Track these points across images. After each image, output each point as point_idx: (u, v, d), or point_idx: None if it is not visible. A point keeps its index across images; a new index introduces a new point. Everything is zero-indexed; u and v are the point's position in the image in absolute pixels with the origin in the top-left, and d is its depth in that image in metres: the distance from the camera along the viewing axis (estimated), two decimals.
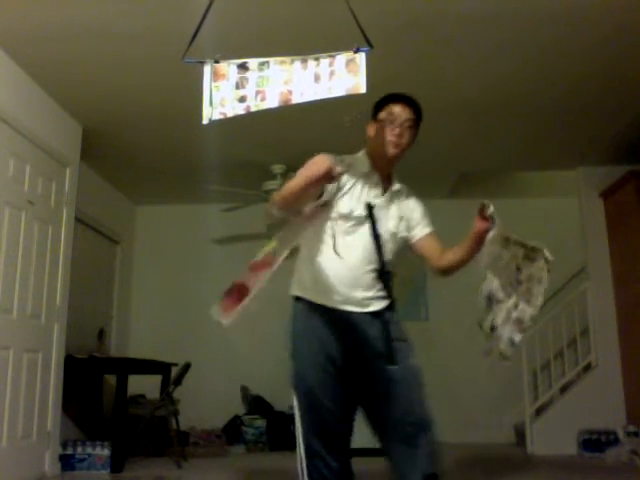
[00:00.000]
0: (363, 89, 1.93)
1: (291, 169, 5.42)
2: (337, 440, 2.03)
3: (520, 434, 5.56)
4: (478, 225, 1.90)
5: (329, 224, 2.05)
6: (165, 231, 6.74)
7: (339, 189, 2.02)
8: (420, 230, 2.15)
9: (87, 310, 5.46)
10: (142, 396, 5.64)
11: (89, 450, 4.42)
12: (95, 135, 4.79)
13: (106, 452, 4.41)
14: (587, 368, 5.48)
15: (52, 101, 4.27)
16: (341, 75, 1.92)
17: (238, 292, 2.10)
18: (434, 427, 1.95)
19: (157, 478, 4.36)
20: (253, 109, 1.97)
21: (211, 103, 1.97)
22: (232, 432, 5.92)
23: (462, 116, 4.55)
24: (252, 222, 6.26)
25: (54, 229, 4.34)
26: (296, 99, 1.95)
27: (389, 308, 2.07)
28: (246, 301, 2.06)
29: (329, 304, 2.04)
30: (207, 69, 2.00)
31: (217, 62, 2.02)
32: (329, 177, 1.78)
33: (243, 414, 6.08)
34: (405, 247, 2.15)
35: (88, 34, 3.43)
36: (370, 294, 2.04)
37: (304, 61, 1.97)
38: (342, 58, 1.95)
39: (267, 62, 2.00)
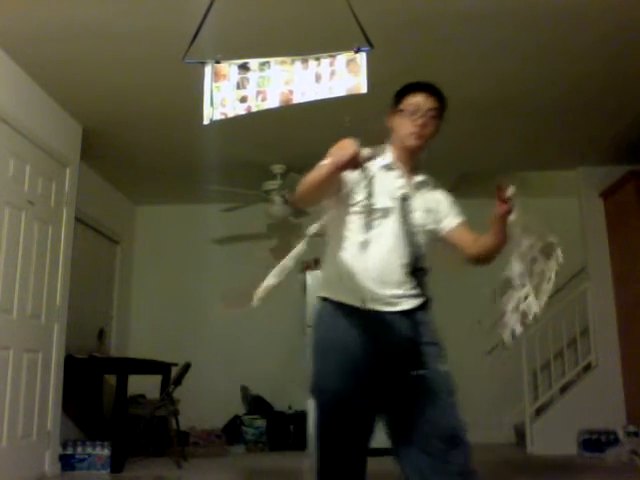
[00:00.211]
0: (364, 89, 1.93)
1: (291, 169, 5.42)
2: (355, 445, 1.92)
3: (520, 434, 5.56)
4: (497, 208, 1.84)
5: (351, 218, 1.94)
6: (165, 231, 6.74)
7: (362, 179, 1.91)
8: (450, 221, 2.05)
9: (87, 310, 5.46)
10: (142, 396, 5.64)
11: (89, 450, 4.42)
12: (95, 135, 4.79)
13: (106, 452, 4.41)
14: (587, 368, 5.48)
15: (52, 101, 4.27)
16: (342, 75, 1.92)
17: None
18: (465, 439, 1.85)
19: (157, 478, 4.36)
20: (254, 109, 1.97)
21: (212, 103, 1.97)
22: (232, 432, 5.92)
23: (462, 116, 4.54)
24: (252, 222, 6.29)
25: (54, 229, 4.33)
26: (297, 99, 1.95)
27: (421, 307, 1.95)
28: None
29: (355, 303, 1.91)
30: (208, 69, 2.00)
31: (218, 62, 2.02)
32: (355, 162, 1.66)
33: (243, 414, 6.08)
34: (434, 240, 2.06)
35: (88, 34, 3.43)
36: (400, 291, 1.91)
37: (305, 61, 1.97)
38: (343, 58, 1.95)
39: (268, 62, 2.00)
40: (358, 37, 2.05)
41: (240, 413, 6.10)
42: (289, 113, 3.14)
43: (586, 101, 4.35)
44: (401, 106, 1.99)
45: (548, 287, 1.84)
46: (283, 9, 3.19)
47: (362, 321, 1.89)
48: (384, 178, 1.97)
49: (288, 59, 1.99)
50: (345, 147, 1.67)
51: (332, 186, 1.83)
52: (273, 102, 1.96)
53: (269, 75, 1.97)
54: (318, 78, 1.94)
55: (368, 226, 1.92)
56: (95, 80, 4.00)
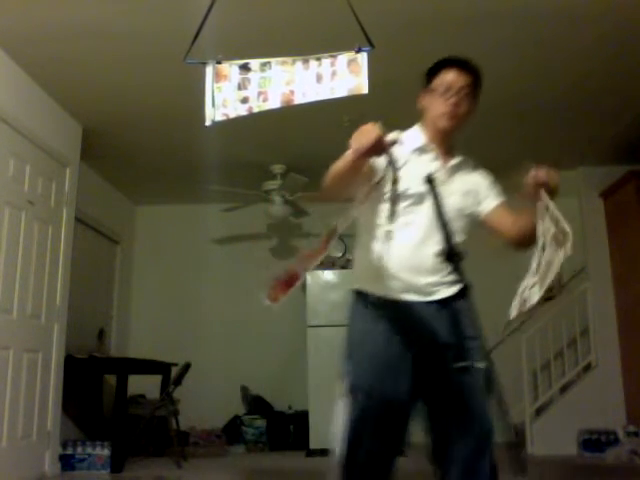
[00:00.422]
0: (365, 89, 1.93)
1: (291, 169, 5.42)
2: (389, 446, 1.82)
3: (520, 434, 5.56)
4: (532, 177, 1.76)
5: (383, 206, 1.82)
6: (165, 231, 6.74)
7: (392, 165, 1.75)
8: (489, 203, 1.95)
9: (87, 310, 5.45)
10: (142, 396, 5.64)
11: (89, 450, 4.42)
12: (95, 135, 4.78)
13: (106, 452, 4.41)
14: (587, 368, 5.48)
15: (52, 101, 4.26)
16: (343, 75, 1.92)
17: (289, 278, 1.88)
18: (492, 441, 1.77)
19: (157, 478, 4.36)
20: (256, 110, 1.97)
21: (213, 104, 1.97)
22: (232, 432, 5.91)
23: None
24: (252, 222, 6.28)
25: (54, 229, 4.33)
26: (298, 100, 1.95)
27: (460, 295, 1.83)
28: (295, 285, 1.84)
29: (388, 294, 1.81)
30: (209, 70, 2.00)
31: (219, 63, 2.02)
32: (379, 147, 1.55)
33: (243, 414, 6.07)
34: (474, 224, 1.95)
35: (88, 34, 3.42)
36: (435, 279, 1.81)
37: (305, 61, 1.97)
38: (344, 58, 1.96)
39: (269, 63, 2.00)
40: (359, 37, 2.05)
41: (240, 413, 6.10)
42: (289, 113, 3.13)
43: (586, 101, 4.35)
44: (432, 85, 1.89)
45: (550, 276, 1.72)
46: (284, 9, 3.19)
47: (397, 313, 1.79)
48: (417, 162, 1.84)
49: (289, 59, 1.99)
50: (367, 132, 1.55)
51: (359, 174, 1.71)
52: (274, 103, 1.96)
53: (270, 76, 1.97)
54: (319, 78, 1.94)
55: (401, 213, 1.80)
56: (95, 80, 3.99)
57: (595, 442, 5.09)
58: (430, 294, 1.80)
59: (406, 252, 1.79)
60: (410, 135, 1.88)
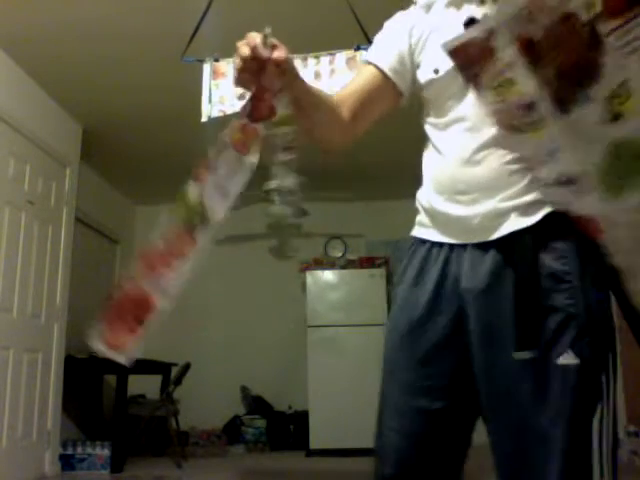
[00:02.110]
0: None
1: None
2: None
3: None
4: None
5: (427, 110, 1.19)
6: None
7: (411, 50, 1.20)
8: None
9: (87, 310, 5.45)
10: (142, 396, 5.64)
11: (89, 450, 4.42)
12: (95, 135, 4.79)
13: (106, 452, 4.41)
14: None
15: (52, 101, 4.27)
16: (342, 73, 1.92)
17: (132, 310, 1.07)
18: None
19: (157, 478, 4.36)
20: None
21: (210, 101, 1.97)
22: (232, 432, 5.91)
23: None
24: (252, 222, 6.28)
25: (54, 229, 4.34)
26: None
27: (546, 227, 1.01)
28: (150, 320, 1.06)
29: (431, 236, 1.13)
30: (206, 67, 2.01)
31: (217, 60, 2.02)
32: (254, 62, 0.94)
33: (243, 414, 6.07)
34: None
35: (88, 34, 3.43)
36: (498, 203, 1.03)
37: (304, 59, 1.98)
38: (342, 56, 1.96)
39: None
40: (358, 35, 2.05)
41: (240, 413, 6.10)
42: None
43: None
44: None
45: None
46: (282, 8, 3.18)
47: (438, 264, 1.11)
48: (454, 21, 1.08)
49: None
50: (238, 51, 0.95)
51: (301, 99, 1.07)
52: None
53: None
54: (317, 76, 1.94)
55: (441, 112, 1.13)
56: (95, 80, 4.00)
57: None
58: (484, 231, 1.05)
59: (447, 164, 1.10)
60: None
